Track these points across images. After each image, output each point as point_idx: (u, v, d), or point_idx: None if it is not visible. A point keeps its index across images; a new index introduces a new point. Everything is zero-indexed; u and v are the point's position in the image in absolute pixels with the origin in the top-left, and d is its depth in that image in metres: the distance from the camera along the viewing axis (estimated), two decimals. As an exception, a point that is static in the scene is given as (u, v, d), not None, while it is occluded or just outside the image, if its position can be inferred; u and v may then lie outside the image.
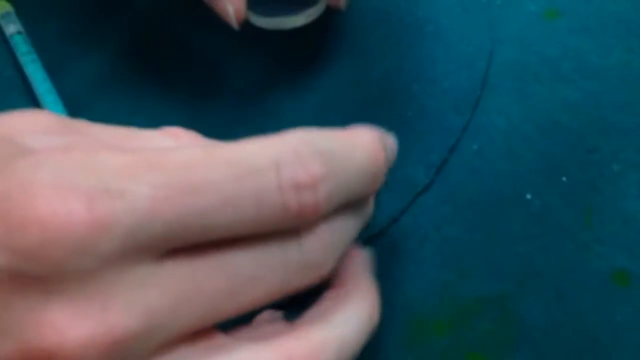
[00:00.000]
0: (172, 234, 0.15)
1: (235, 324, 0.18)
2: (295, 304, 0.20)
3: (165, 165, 0.15)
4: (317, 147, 0.17)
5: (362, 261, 0.22)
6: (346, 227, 0.19)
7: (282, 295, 0.18)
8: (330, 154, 0.17)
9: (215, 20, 0.26)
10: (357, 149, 0.19)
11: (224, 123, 0.29)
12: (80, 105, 0.30)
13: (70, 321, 0.14)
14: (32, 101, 0.30)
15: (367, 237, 0.25)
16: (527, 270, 0.24)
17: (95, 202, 0.14)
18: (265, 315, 0.20)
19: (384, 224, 0.25)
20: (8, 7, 0.33)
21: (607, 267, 0.24)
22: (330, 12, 0.28)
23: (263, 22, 0.28)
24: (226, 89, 0.30)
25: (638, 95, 0.28)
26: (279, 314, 0.20)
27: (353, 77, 0.29)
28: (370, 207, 0.21)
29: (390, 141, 0.21)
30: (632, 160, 0.26)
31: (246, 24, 0.27)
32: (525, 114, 0.28)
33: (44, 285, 0.14)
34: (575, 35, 0.29)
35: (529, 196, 0.26)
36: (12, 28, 0.32)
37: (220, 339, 0.17)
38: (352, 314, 0.19)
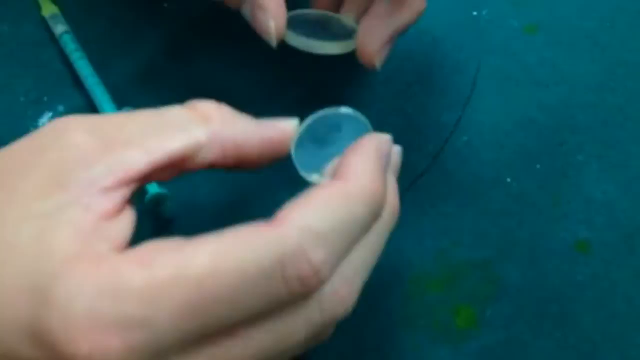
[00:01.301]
0: (194, 335, 0.17)
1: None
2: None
3: (179, 284, 0.16)
4: (317, 232, 0.18)
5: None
6: (363, 259, 0.20)
7: (314, 344, 0.19)
8: (330, 230, 0.18)
9: (247, 29, 0.28)
10: (356, 201, 0.19)
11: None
12: (123, 97, 0.32)
13: None
14: (81, 93, 0.33)
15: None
16: (506, 240, 0.29)
17: (125, 333, 0.16)
18: None
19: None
20: (55, 10, 0.35)
21: (571, 238, 0.29)
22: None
23: (300, 42, 0.27)
24: (249, 82, 0.33)
25: (599, 99, 0.32)
26: None
27: (363, 79, 0.33)
28: (386, 223, 0.22)
29: (391, 148, 0.22)
30: (593, 152, 0.31)
31: (282, 44, 0.27)
32: (507, 112, 0.32)
33: None
34: (550, 47, 0.34)
35: (508, 180, 0.30)
36: (60, 28, 0.35)
37: None
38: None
